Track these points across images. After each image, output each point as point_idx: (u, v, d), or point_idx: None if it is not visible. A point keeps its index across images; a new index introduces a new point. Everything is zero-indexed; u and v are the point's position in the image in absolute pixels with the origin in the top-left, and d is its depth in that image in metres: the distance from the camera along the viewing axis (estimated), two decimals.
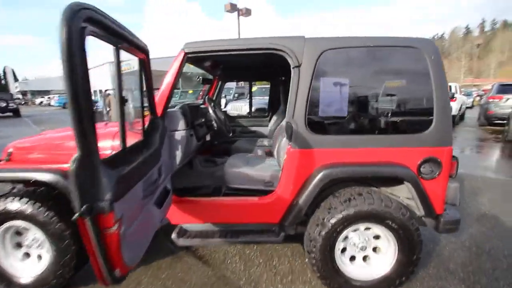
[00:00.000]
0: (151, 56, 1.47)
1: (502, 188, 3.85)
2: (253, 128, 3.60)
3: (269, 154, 2.82)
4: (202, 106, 2.91)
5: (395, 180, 1.83)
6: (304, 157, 1.80)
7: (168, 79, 1.83)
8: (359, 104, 1.79)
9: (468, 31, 76.31)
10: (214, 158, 2.78)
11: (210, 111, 2.43)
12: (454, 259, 2.25)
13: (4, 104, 16.22)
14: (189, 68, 3.07)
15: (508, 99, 8.11)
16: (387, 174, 1.74)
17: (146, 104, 1.50)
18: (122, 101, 1.13)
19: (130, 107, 1.32)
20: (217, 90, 3.45)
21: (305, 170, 1.82)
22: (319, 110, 1.79)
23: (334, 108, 1.80)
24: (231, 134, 2.74)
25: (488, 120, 8.68)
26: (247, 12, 15.75)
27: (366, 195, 1.76)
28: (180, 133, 2.01)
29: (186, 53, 1.83)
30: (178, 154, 2.00)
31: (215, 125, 2.49)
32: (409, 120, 1.82)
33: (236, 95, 13.28)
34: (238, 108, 8.89)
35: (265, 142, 3.07)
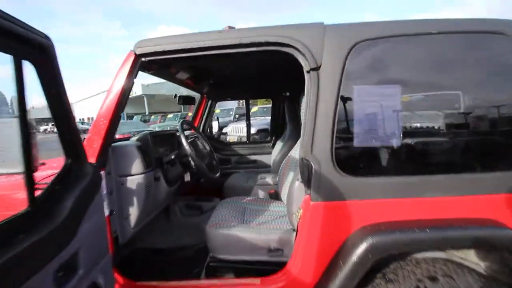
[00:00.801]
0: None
1: None
2: (253, 157, 2.88)
3: (274, 196, 2.08)
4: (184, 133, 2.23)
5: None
6: (333, 214, 1.10)
7: (109, 100, 1.14)
8: (420, 125, 1.11)
9: None
10: (199, 203, 2.07)
11: (184, 142, 1.68)
12: None
13: None
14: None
15: None
16: (480, 243, 1.02)
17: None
18: None
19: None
20: (206, 112, 2.79)
21: (336, 235, 1.11)
22: (354, 138, 1.10)
23: (379, 134, 1.11)
24: (218, 174, 1.97)
25: None
26: None
27: (444, 281, 1.02)
28: (135, 180, 1.31)
29: (137, 56, 1.16)
30: (133, 211, 1.30)
31: (192, 162, 1.73)
32: (503, 147, 1.13)
33: (236, 116, 12.81)
34: (239, 129, 8.27)
35: (268, 178, 2.32)
